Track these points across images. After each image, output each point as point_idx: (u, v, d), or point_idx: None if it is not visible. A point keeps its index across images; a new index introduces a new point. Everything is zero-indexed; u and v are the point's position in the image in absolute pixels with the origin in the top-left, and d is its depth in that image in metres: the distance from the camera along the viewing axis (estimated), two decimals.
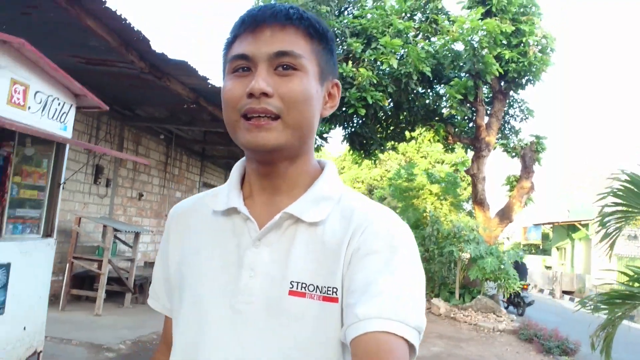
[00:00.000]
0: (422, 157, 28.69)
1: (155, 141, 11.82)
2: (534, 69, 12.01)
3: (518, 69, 11.85)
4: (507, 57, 11.61)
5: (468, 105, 12.30)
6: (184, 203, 1.09)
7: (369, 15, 11.38)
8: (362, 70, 10.36)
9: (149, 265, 10.51)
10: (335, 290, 0.86)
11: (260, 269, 0.89)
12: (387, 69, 10.73)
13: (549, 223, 32.61)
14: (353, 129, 12.80)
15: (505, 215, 13.15)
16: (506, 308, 13.15)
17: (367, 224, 0.89)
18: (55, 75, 5.34)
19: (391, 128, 13.71)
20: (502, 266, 11.32)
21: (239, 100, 0.87)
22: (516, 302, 13.24)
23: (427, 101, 12.46)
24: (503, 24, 11.55)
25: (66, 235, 8.41)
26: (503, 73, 11.91)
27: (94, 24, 5.64)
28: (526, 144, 13.42)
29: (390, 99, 11.54)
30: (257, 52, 0.87)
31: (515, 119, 14.38)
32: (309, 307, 0.85)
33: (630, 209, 4.47)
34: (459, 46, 11.48)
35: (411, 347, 0.78)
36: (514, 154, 13.72)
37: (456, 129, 12.81)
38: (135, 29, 5.92)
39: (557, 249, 32.89)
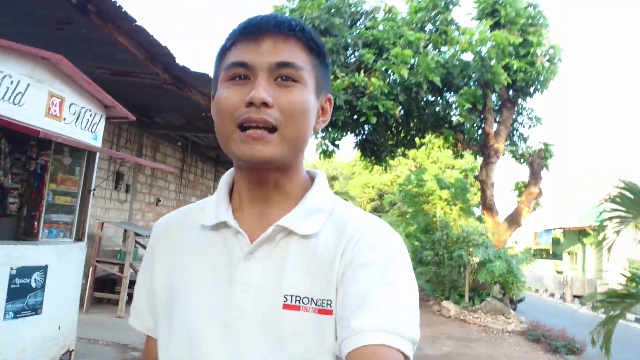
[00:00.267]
0: (432, 162, 28.87)
1: (172, 148, 12.24)
2: (541, 79, 12.34)
3: (526, 78, 12.17)
4: (515, 67, 11.94)
5: (477, 113, 12.60)
6: (168, 218, 1.07)
7: (380, 27, 11.72)
8: (373, 79, 10.71)
9: None
10: (329, 302, 0.85)
11: (252, 283, 0.88)
12: (398, 78, 11.05)
13: (559, 228, 32.66)
14: (364, 136, 13.12)
15: (513, 220, 13.40)
16: None
17: (360, 235, 0.89)
18: (88, 88, 5.73)
19: (401, 135, 14.00)
20: (511, 269, 11.59)
21: (236, 109, 0.85)
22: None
23: (437, 109, 12.75)
24: (511, 35, 11.88)
25: (90, 239, 8.79)
26: (511, 82, 12.24)
27: (124, 39, 6.02)
28: (534, 151, 13.68)
29: (400, 107, 11.86)
30: (257, 61, 0.86)
31: (523, 126, 14.67)
32: (304, 320, 0.85)
33: (627, 215, 4.77)
34: (468, 56, 11.80)
35: (406, 358, 0.79)
36: (522, 160, 13.98)
37: (465, 136, 13.09)
38: (162, 45, 6.29)
39: (569, 253, 32.90)
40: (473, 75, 11.58)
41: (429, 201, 16.12)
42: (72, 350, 5.56)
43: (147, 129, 10.79)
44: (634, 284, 4.76)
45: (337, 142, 12.35)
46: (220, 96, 0.88)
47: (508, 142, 14.17)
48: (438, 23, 12.47)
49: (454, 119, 12.40)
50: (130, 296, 8.46)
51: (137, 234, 8.69)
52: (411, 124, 13.19)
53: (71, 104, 5.52)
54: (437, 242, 13.69)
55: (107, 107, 6.19)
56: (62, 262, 5.37)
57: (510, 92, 13.16)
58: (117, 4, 5.23)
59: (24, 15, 5.82)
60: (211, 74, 0.97)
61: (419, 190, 16.39)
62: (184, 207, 1.08)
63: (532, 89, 12.88)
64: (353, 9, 12.50)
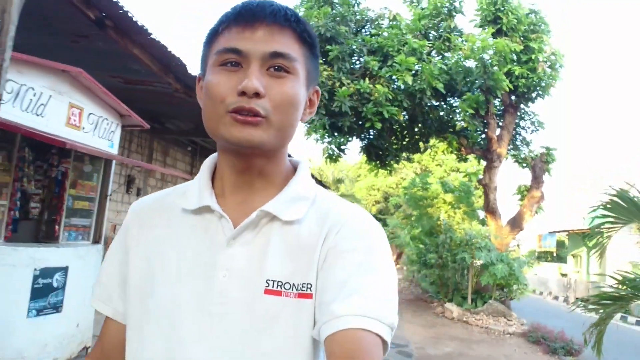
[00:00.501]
0: (437, 165, 28.99)
1: (182, 152, 12.54)
2: (543, 84, 12.56)
3: (528, 84, 12.39)
4: (517, 73, 12.17)
5: (480, 119, 12.83)
6: (145, 200, 1.05)
7: (385, 34, 11.97)
8: (378, 86, 10.96)
9: None
10: (309, 286, 0.86)
11: (235, 268, 0.88)
12: (402, 85, 11.31)
13: (564, 231, 32.72)
14: (369, 141, 13.36)
15: (516, 223, 13.60)
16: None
17: (343, 223, 0.90)
18: (105, 99, 6.04)
19: (406, 140, 14.21)
20: (512, 272, 11.81)
21: (227, 97, 0.85)
22: None
23: (441, 113, 12.98)
24: (513, 42, 12.11)
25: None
26: (513, 88, 12.46)
27: (139, 52, 6.29)
28: (536, 155, 13.87)
29: (404, 112, 12.11)
30: (251, 49, 0.85)
31: (526, 131, 14.85)
32: (285, 305, 0.85)
33: (617, 220, 5.02)
34: (470, 63, 12.02)
35: (384, 343, 0.81)
36: (524, 164, 14.18)
37: (468, 141, 13.30)
38: (176, 56, 6.57)
39: (573, 256, 32.93)
40: (476, 81, 11.81)
41: (433, 204, 16.34)
42: (89, 347, 5.83)
43: (157, 134, 11.09)
44: (624, 287, 4.99)
45: (343, 147, 12.62)
46: (211, 82, 0.87)
47: (511, 146, 14.37)
48: (441, 30, 12.71)
49: (458, 124, 12.62)
50: None
51: None
52: (415, 129, 13.42)
53: (89, 114, 5.83)
54: (441, 245, 13.92)
55: (123, 116, 6.51)
56: (81, 263, 5.66)
57: (513, 97, 13.37)
58: (134, 19, 5.51)
59: (43, 28, 6.11)
60: None
61: (423, 194, 16.61)
62: (161, 190, 1.06)
63: (534, 95, 13.09)
64: (358, 17, 12.78)
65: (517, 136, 14.73)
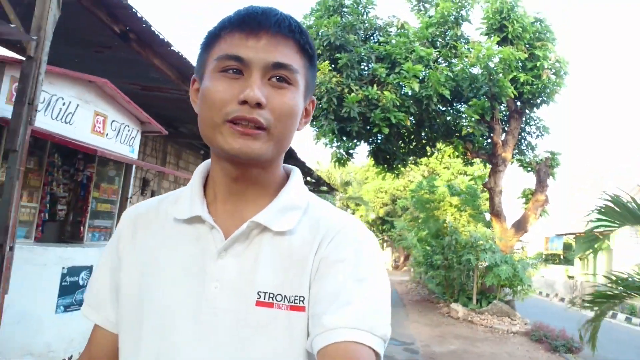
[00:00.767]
0: (444, 168, 29.19)
1: (195, 156, 12.90)
2: (548, 91, 12.84)
3: (532, 90, 12.66)
4: (522, 79, 12.44)
5: (485, 124, 13.11)
6: (139, 207, 1.04)
7: (393, 42, 12.28)
8: (386, 93, 11.28)
9: None
10: (302, 299, 0.85)
11: (226, 280, 0.87)
12: (409, 91, 11.61)
13: (570, 233, 32.81)
14: (377, 145, 13.67)
15: (520, 226, 13.85)
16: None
17: (335, 233, 0.89)
18: (127, 107, 6.40)
19: (413, 144, 14.50)
20: (516, 273, 12.07)
21: (227, 105, 0.84)
22: None
23: (448, 118, 13.26)
24: (519, 49, 12.40)
25: None
26: (518, 95, 12.74)
27: (159, 62, 6.64)
28: (541, 160, 14.13)
29: (411, 117, 12.40)
30: (254, 58, 0.84)
31: (531, 136, 15.09)
32: (276, 317, 0.84)
33: (611, 224, 5.31)
34: (476, 70, 12.30)
35: (377, 355, 0.80)
36: (529, 169, 14.44)
37: (474, 146, 13.57)
38: (193, 65, 6.91)
39: (580, 258, 32.99)
40: (482, 88, 12.09)
41: (439, 207, 16.61)
42: None
43: (171, 138, 11.44)
44: (617, 286, 5.28)
45: (351, 151, 12.94)
46: (210, 88, 0.85)
47: (516, 150, 14.62)
48: (448, 38, 13.01)
49: (464, 129, 12.90)
50: None
51: None
52: (422, 134, 13.71)
53: (112, 121, 6.20)
54: (447, 246, 14.22)
55: (143, 122, 6.88)
56: None
57: (518, 103, 13.64)
58: (157, 33, 5.85)
59: (70, 40, 6.46)
60: None
61: (430, 197, 16.89)
62: (154, 197, 1.05)
63: (538, 101, 13.35)
64: (367, 25, 13.11)
65: (523, 141, 14.98)
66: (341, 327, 0.78)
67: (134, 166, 6.85)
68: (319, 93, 11.41)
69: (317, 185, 16.95)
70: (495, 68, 11.77)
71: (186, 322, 0.86)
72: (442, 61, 12.98)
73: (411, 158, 15.26)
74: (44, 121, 5.03)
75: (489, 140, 13.99)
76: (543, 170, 13.77)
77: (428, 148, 14.78)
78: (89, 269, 5.71)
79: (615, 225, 5.30)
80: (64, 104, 5.36)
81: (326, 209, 0.96)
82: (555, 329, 9.97)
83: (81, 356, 1.05)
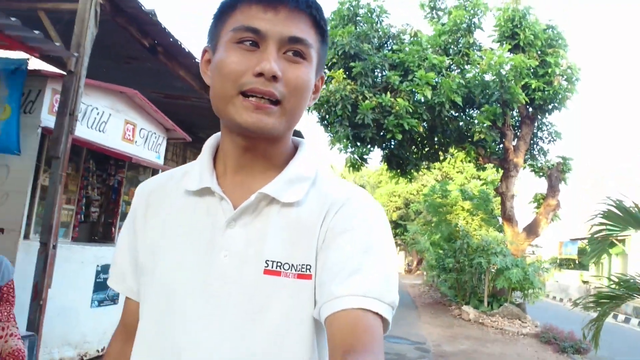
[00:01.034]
0: (458, 172, 29.33)
1: None
2: (559, 97, 13.07)
3: (544, 97, 12.88)
4: (533, 86, 12.67)
5: (497, 130, 13.36)
6: (151, 181, 1.06)
7: (406, 49, 12.60)
8: (399, 100, 11.60)
9: None
10: (309, 267, 0.86)
11: (234, 249, 0.88)
12: (422, 98, 11.91)
13: (584, 238, 32.71)
14: (390, 150, 13.95)
15: (532, 230, 14.04)
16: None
17: (342, 203, 0.90)
18: (155, 115, 6.79)
19: (426, 149, 14.75)
20: (527, 277, 12.31)
21: (242, 76, 0.84)
22: None
23: (460, 124, 13.51)
24: (530, 57, 12.64)
25: None
26: (529, 101, 12.96)
27: (184, 73, 7.02)
28: (553, 165, 14.32)
29: (424, 123, 12.69)
30: (271, 31, 0.84)
31: (543, 141, 15.27)
32: (284, 285, 0.86)
33: (614, 228, 5.59)
34: (488, 76, 12.56)
35: (385, 322, 0.81)
36: (541, 174, 14.64)
37: (486, 151, 13.79)
38: None
39: (595, 263, 32.85)
40: (494, 94, 12.34)
41: (452, 211, 16.86)
42: None
43: (190, 143, 11.84)
44: (619, 287, 5.55)
45: (365, 157, 13.27)
46: (225, 59, 0.86)
47: (528, 155, 14.81)
48: (461, 45, 13.29)
49: (476, 134, 13.15)
50: None
51: None
52: (435, 139, 13.95)
53: (141, 129, 6.60)
54: (459, 250, 14.48)
55: (168, 130, 7.27)
56: None
57: (530, 109, 13.86)
58: (183, 46, 6.24)
59: (101, 52, 6.88)
60: None
61: (443, 201, 17.15)
62: (166, 171, 1.08)
63: (550, 107, 13.57)
64: (380, 33, 13.44)
65: (535, 146, 15.15)
66: (349, 295, 0.79)
67: (159, 171, 7.24)
68: (334, 100, 11.76)
69: None
70: (506, 75, 12.02)
71: (194, 291, 0.88)
72: (455, 68, 13.26)
73: (424, 163, 15.49)
74: (80, 130, 5.41)
75: (501, 146, 14.19)
76: (555, 175, 13.96)
77: (440, 153, 15.01)
78: None
79: (618, 229, 5.57)
80: (98, 113, 5.77)
81: (334, 180, 0.97)
82: (564, 331, 10.20)
83: (117, 326, 1.11)
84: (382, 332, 0.80)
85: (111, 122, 6.00)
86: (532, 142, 14.83)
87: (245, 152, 0.92)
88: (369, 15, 13.40)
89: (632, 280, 5.60)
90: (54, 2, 5.16)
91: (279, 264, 0.86)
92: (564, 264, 35.82)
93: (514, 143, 14.07)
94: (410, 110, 11.72)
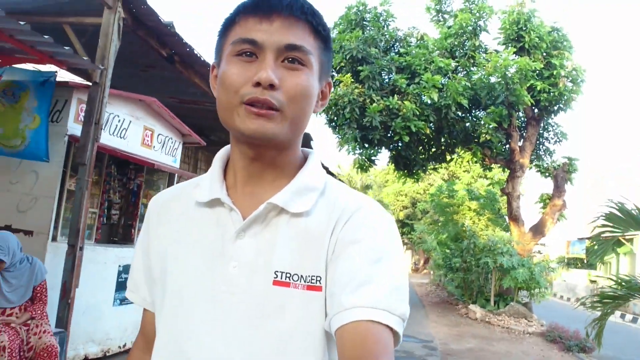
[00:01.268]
0: (464, 171, 29.43)
1: None
2: (564, 99, 13.25)
3: (549, 98, 13.07)
4: (539, 87, 12.86)
5: (503, 131, 13.55)
6: (164, 194, 1.07)
7: (413, 52, 12.82)
8: (406, 102, 11.82)
9: None
10: (319, 279, 0.87)
11: (244, 260, 0.88)
12: (429, 100, 12.13)
13: (590, 237, 32.61)
14: (397, 152, 14.16)
15: (538, 230, 14.22)
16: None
17: (351, 213, 0.90)
18: (171, 121, 7.05)
19: (432, 150, 14.97)
20: (533, 276, 12.50)
21: (242, 87, 0.85)
22: None
23: (467, 125, 13.70)
24: (536, 59, 12.83)
25: None
26: (535, 103, 13.15)
27: (199, 80, 7.27)
28: (559, 165, 14.49)
29: (431, 124, 12.91)
30: (267, 40, 0.86)
31: (549, 141, 15.44)
32: (293, 296, 0.86)
33: (615, 230, 5.80)
34: (494, 79, 12.76)
35: (395, 334, 0.81)
36: (547, 174, 14.81)
37: (492, 152, 13.97)
38: None
39: (603, 263, 32.86)
40: (499, 96, 12.54)
41: (458, 211, 17.04)
42: None
43: (202, 146, 12.12)
44: (621, 287, 5.76)
45: (373, 158, 13.50)
46: (226, 72, 0.88)
47: (534, 156, 14.98)
48: (466, 48, 13.49)
49: (482, 136, 13.33)
50: None
51: None
52: (442, 140, 14.16)
53: (159, 135, 6.86)
54: (466, 250, 14.67)
55: (184, 135, 7.53)
56: None
57: (535, 110, 14.04)
58: (199, 55, 6.49)
59: (120, 62, 7.14)
60: None
61: (449, 201, 17.32)
62: (180, 183, 1.09)
63: (555, 108, 13.75)
64: (387, 37, 13.65)
65: (540, 146, 15.32)
66: (359, 307, 0.79)
67: (176, 175, 7.51)
68: (342, 104, 12.00)
69: None
70: (512, 77, 12.21)
71: (204, 302, 0.88)
72: (461, 70, 13.45)
73: (431, 164, 15.71)
74: (103, 137, 5.65)
75: (507, 147, 14.37)
76: (560, 175, 14.14)
77: (447, 154, 15.21)
78: None
79: (619, 230, 5.78)
80: (119, 121, 6.03)
81: (343, 190, 0.97)
82: (570, 330, 10.40)
83: (137, 337, 1.14)
84: (392, 345, 0.80)
85: (131, 128, 6.27)
86: (537, 142, 15.01)
87: (253, 162, 0.93)
88: (376, 19, 13.63)
89: (633, 281, 5.82)
90: (78, 17, 5.43)
91: (288, 275, 0.86)
92: (572, 263, 35.80)
93: (520, 144, 14.26)
94: (417, 113, 11.95)
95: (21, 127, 5.00)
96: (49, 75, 5.04)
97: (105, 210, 6.19)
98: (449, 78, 12.33)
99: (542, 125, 14.73)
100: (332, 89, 1.04)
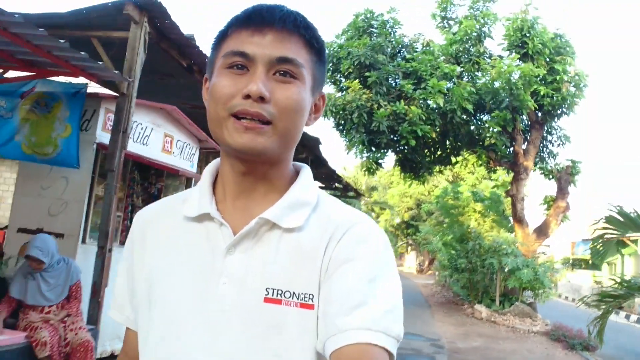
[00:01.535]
0: (469, 172, 29.61)
1: None
2: (567, 103, 13.53)
3: (553, 103, 13.37)
4: (542, 92, 13.14)
5: (507, 135, 13.83)
6: (149, 209, 1.04)
7: (419, 58, 13.11)
8: (413, 107, 12.12)
9: None
10: (311, 296, 0.84)
11: (235, 276, 0.86)
12: (435, 105, 12.43)
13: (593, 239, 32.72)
14: (404, 155, 14.45)
15: (542, 231, 14.49)
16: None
17: (345, 230, 0.88)
18: (189, 128, 7.36)
19: (438, 153, 15.27)
20: (537, 277, 12.76)
21: (231, 99, 0.84)
22: None
23: (472, 128, 13.97)
24: (539, 64, 13.11)
25: None
26: (538, 107, 13.44)
27: None
28: (562, 168, 14.76)
29: (437, 128, 13.19)
30: (259, 53, 0.85)
31: (552, 144, 15.70)
32: (285, 314, 0.83)
33: (615, 232, 6.08)
34: (498, 84, 13.04)
35: (390, 355, 0.79)
36: (550, 176, 15.07)
37: (497, 155, 14.26)
38: None
39: (608, 264, 32.98)
40: (503, 101, 12.82)
41: (464, 213, 17.29)
42: None
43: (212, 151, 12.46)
44: (621, 286, 6.04)
45: (380, 161, 13.80)
46: (217, 84, 0.86)
47: (538, 158, 15.24)
48: (471, 54, 13.77)
49: (487, 139, 13.60)
50: None
51: None
52: (447, 143, 14.47)
53: (178, 141, 7.17)
54: (471, 251, 14.93)
55: (201, 140, 7.83)
56: None
57: (539, 114, 14.31)
58: None
59: (142, 70, 7.46)
60: None
61: (454, 203, 17.57)
62: (165, 198, 1.06)
63: (559, 112, 14.03)
64: (394, 43, 13.95)
65: (544, 149, 15.57)
66: (355, 329, 0.78)
67: (193, 179, 7.82)
68: (350, 109, 12.31)
69: (345, 191, 17.65)
70: (515, 83, 12.49)
71: (195, 319, 0.86)
72: (466, 75, 13.73)
73: (436, 166, 15.99)
74: (128, 144, 6.00)
75: (511, 150, 14.63)
76: (564, 178, 14.40)
77: (452, 157, 15.48)
78: None
79: (619, 233, 6.07)
80: (142, 128, 6.34)
81: (336, 206, 0.95)
82: (573, 329, 10.67)
83: (119, 355, 1.10)
84: None
85: (153, 135, 6.58)
86: (541, 145, 15.26)
87: (244, 176, 0.91)
88: (383, 26, 13.92)
89: (632, 281, 6.10)
90: (105, 31, 5.73)
91: (279, 292, 0.84)
92: (577, 264, 35.89)
93: (524, 147, 14.53)
94: (424, 117, 12.24)
95: (53, 136, 5.31)
96: (80, 87, 5.35)
97: (129, 214, 6.49)
98: (454, 83, 12.61)
99: (545, 128, 14.98)
100: (325, 101, 1.03)
